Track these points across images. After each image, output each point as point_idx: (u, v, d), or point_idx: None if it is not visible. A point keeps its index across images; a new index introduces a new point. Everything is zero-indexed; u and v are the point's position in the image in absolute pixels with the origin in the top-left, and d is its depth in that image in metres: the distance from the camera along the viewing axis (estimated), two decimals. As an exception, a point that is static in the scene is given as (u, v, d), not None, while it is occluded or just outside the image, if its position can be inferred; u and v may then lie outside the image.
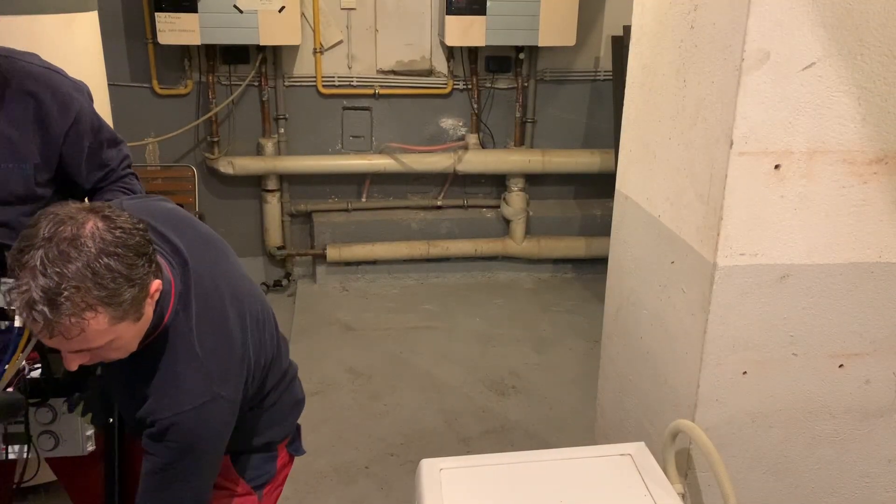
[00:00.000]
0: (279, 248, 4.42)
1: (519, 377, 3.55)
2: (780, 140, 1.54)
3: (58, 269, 1.12)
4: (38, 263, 1.13)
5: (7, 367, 1.44)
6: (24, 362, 1.47)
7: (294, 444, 1.79)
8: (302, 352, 3.56)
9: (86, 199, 1.86)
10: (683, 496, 1.75)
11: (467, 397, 3.38)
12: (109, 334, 1.21)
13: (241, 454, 1.64)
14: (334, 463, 2.90)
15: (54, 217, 1.17)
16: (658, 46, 1.88)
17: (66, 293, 1.12)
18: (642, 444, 1.76)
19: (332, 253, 4.36)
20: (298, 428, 1.80)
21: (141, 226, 1.25)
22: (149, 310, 1.28)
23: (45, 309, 1.13)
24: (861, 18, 1.48)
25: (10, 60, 1.68)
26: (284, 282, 4.50)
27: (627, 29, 2.64)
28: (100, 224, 1.18)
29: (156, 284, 1.26)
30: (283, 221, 4.42)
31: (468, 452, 2.95)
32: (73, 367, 1.28)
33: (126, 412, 1.50)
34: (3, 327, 1.43)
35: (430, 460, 1.71)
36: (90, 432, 1.57)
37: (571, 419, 3.22)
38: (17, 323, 1.33)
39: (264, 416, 1.63)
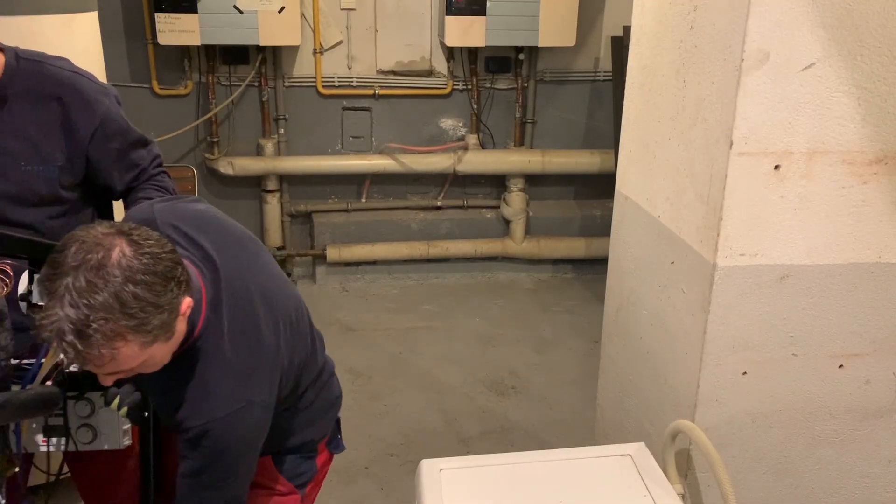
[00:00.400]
0: (279, 249, 4.42)
1: (519, 377, 3.55)
2: (779, 140, 1.54)
3: (85, 301, 1.12)
4: (65, 293, 1.13)
5: (44, 360, 1.45)
6: (61, 355, 1.49)
7: (334, 442, 1.79)
8: (302, 352, 3.55)
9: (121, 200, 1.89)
10: (683, 496, 1.75)
11: (467, 397, 3.38)
12: (141, 357, 1.22)
13: (281, 454, 1.65)
14: (334, 463, 2.87)
15: (81, 243, 1.17)
16: (658, 47, 1.88)
17: (94, 325, 1.13)
18: (642, 444, 1.76)
19: (332, 253, 4.36)
20: (338, 423, 1.80)
21: (169, 247, 1.25)
22: (180, 326, 1.28)
23: (75, 340, 1.13)
24: (861, 19, 1.48)
25: (40, 65, 1.71)
26: (284, 282, 4.50)
27: (627, 29, 2.64)
28: (127, 250, 1.17)
29: (186, 303, 1.26)
30: (282, 222, 4.42)
31: (468, 453, 2.95)
32: (108, 382, 1.30)
33: (161, 414, 1.52)
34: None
35: (429, 461, 1.71)
36: (127, 426, 1.59)
37: (571, 419, 3.22)
38: None
39: (301, 415, 1.63)
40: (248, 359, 1.39)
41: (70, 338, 1.13)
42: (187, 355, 1.36)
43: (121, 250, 1.17)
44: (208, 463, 1.39)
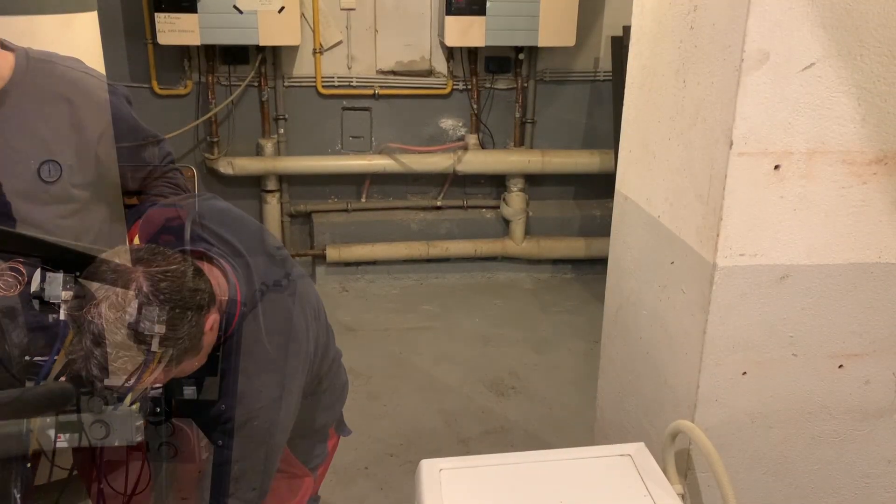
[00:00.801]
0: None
1: (519, 377, 3.55)
2: (779, 140, 1.54)
3: (106, 339, 1.18)
4: (87, 331, 1.19)
5: (57, 357, 1.46)
6: None
7: (341, 426, 1.87)
8: (302, 352, 3.55)
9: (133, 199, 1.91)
10: (683, 496, 1.75)
11: (467, 398, 3.38)
12: (169, 375, 1.28)
13: (298, 440, 1.69)
14: (333, 464, 2.87)
15: (102, 279, 1.22)
16: (657, 47, 1.88)
17: (116, 363, 1.19)
18: (642, 444, 1.76)
19: (332, 253, 4.36)
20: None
21: (190, 272, 1.28)
22: (208, 340, 1.32)
23: (100, 374, 1.21)
24: (861, 19, 1.48)
25: (51, 65, 1.72)
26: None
27: (627, 29, 2.64)
28: (144, 286, 1.22)
29: (210, 322, 1.31)
30: (282, 222, 4.42)
31: (467, 453, 2.95)
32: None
33: (189, 406, 1.54)
34: (51, 320, 1.46)
35: (429, 461, 1.71)
36: (139, 422, 1.60)
37: (571, 419, 3.22)
38: (62, 316, 1.37)
39: (319, 400, 1.70)
40: (285, 349, 1.45)
41: (95, 371, 1.20)
42: (225, 349, 1.41)
43: (137, 286, 1.21)
44: (248, 451, 1.43)
